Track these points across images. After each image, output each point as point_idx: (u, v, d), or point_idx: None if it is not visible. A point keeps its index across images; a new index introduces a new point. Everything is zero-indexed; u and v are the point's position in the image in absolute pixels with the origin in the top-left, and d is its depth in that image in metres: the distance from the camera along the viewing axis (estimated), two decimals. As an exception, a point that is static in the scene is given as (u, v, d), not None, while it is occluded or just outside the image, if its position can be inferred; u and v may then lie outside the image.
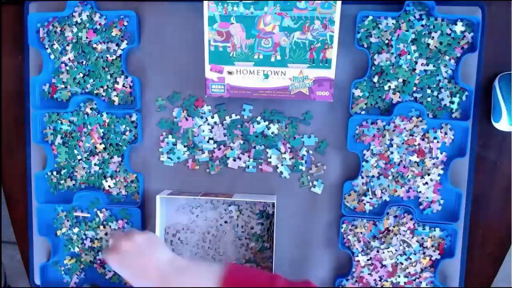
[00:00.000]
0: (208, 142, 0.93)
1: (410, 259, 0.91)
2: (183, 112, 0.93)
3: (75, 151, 0.95)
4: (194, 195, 0.90)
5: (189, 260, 0.75)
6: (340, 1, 0.79)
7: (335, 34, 0.81)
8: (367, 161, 0.89)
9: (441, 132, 0.88)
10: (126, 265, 0.72)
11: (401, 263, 0.91)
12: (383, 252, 0.91)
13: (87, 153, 0.95)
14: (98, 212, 0.96)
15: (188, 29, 0.91)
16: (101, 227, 0.96)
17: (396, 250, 0.91)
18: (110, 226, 0.96)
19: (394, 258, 0.91)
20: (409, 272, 0.91)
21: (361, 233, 0.91)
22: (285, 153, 0.92)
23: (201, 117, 0.93)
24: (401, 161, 0.89)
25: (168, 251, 0.74)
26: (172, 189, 0.95)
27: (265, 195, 0.92)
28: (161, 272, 0.69)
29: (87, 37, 0.93)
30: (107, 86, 0.94)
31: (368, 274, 0.92)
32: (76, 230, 0.97)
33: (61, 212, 0.97)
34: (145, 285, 0.70)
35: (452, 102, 0.87)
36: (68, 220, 0.97)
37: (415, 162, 0.88)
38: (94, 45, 0.93)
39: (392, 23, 0.86)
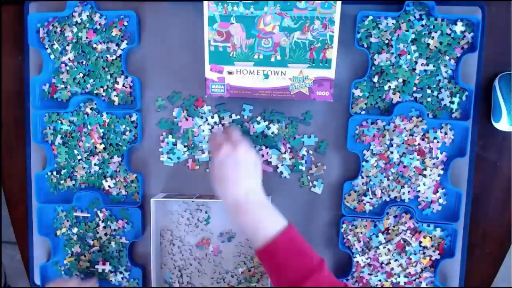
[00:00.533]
0: (208, 142, 0.93)
1: (410, 259, 0.91)
2: (183, 112, 0.93)
3: (75, 151, 0.95)
4: (189, 197, 0.91)
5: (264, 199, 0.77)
6: (340, 1, 0.79)
7: (335, 34, 0.81)
8: (367, 161, 0.89)
9: (441, 132, 0.88)
10: (225, 168, 0.74)
11: (401, 263, 0.91)
12: (384, 252, 0.91)
13: (87, 153, 0.95)
14: (98, 212, 0.96)
15: (188, 29, 0.91)
16: (101, 227, 0.96)
17: (395, 249, 0.91)
18: (110, 227, 0.96)
19: (394, 258, 0.91)
20: (409, 272, 0.91)
21: (361, 233, 0.91)
22: (285, 153, 0.92)
23: (201, 117, 0.93)
24: (401, 161, 0.89)
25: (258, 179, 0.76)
26: (172, 189, 0.95)
27: None
28: (244, 196, 0.73)
29: (87, 37, 0.93)
30: (107, 86, 0.94)
31: (368, 274, 0.92)
32: (76, 230, 0.97)
33: (60, 212, 0.97)
34: (227, 195, 0.74)
35: (452, 102, 0.87)
36: (68, 220, 0.97)
37: (415, 162, 0.88)
38: (94, 45, 0.93)
39: (392, 23, 0.86)
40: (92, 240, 0.97)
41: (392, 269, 0.91)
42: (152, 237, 0.90)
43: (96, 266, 0.98)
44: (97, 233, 0.96)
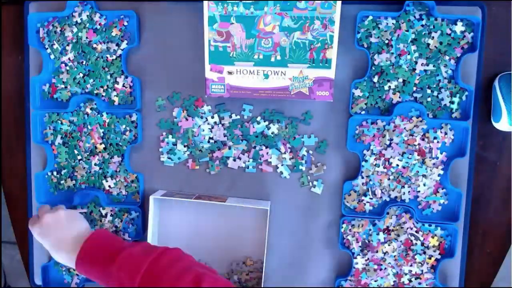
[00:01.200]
0: (208, 142, 0.93)
1: (415, 258, 0.90)
2: (183, 112, 0.93)
3: (75, 151, 0.95)
4: (188, 197, 0.91)
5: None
6: (340, 1, 0.79)
7: (335, 34, 0.81)
8: (367, 161, 0.89)
9: (441, 132, 0.88)
10: (45, 236, 0.83)
11: (402, 264, 0.91)
12: (384, 252, 0.91)
13: (87, 153, 0.95)
14: (100, 210, 0.96)
15: (188, 29, 0.91)
16: (107, 221, 0.96)
17: (395, 249, 0.91)
18: (114, 223, 0.96)
19: (394, 258, 0.91)
20: (411, 272, 0.91)
21: (357, 232, 0.91)
22: (285, 153, 0.92)
23: (201, 117, 0.93)
24: (400, 160, 0.89)
25: (86, 223, 0.87)
26: (172, 189, 0.95)
27: (259, 200, 0.92)
28: (76, 241, 0.79)
29: (87, 37, 0.93)
30: (107, 86, 0.94)
31: (368, 273, 0.92)
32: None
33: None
34: (62, 256, 0.80)
35: (452, 102, 0.87)
36: (68, 220, 0.97)
37: (415, 162, 0.88)
38: (94, 45, 0.93)
39: (392, 23, 0.86)
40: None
41: (393, 267, 0.91)
42: (149, 234, 0.90)
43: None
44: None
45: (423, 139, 0.88)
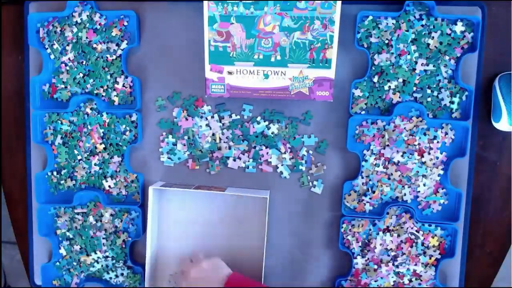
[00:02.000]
0: (208, 142, 0.93)
1: (417, 257, 0.90)
2: (183, 112, 0.93)
3: (75, 151, 0.95)
4: (188, 187, 0.91)
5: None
6: (340, 1, 0.79)
7: (335, 34, 0.81)
8: (366, 161, 0.89)
9: (441, 132, 0.88)
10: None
11: (400, 265, 0.91)
12: (384, 252, 0.91)
13: (87, 153, 0.95)
14: (100, 210, 0.96)
15: (188, 29, 0.91)
16: (102, 226, 0.96)
17: (394, 248, 0.91)
18: (114, 223, 0.96)
19: (394, 258, 0.91)
20: (412, 271, 0.91)
21: (358, 232, 0.91)
22: (285, 153, 0.92)
23: (201, 117, 0.93)
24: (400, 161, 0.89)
25: (227, 268, 0.85)
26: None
27: (258, 190, 0.92)
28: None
29: (87, 37, 0.93)
30: (107, 86, 0.94)
31: (368, 273, 0.92)
32: (76, 229, 0.97)
33: (60, 212, 0.97)
34: None
35: (452, 102, 0.87)
36: (68, 220, 0.97)
37: (415, 161, 0.88)
38: (94, 45, 0.93)
39: (392, 23, 0.86)
40: (93, 233, 0.97)
41: (397, 266, 0.91)
42: (148, 226, 0.90)
43: (96, 265, 0.98)
44: (102, 229, 0.97)
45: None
